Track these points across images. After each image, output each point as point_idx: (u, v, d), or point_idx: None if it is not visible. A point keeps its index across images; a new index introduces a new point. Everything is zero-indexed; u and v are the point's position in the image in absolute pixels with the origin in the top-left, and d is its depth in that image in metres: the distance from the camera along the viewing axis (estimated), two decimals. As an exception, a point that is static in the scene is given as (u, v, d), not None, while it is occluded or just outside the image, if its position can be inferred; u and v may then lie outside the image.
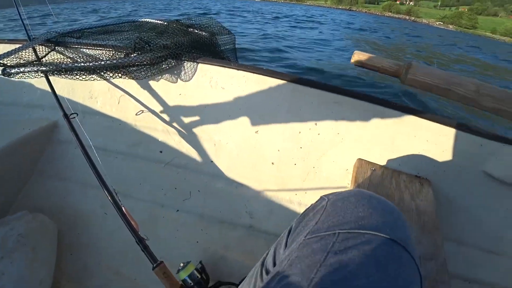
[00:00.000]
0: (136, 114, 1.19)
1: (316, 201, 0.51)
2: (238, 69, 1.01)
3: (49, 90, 1.02)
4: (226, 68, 1.02)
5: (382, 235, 0.38)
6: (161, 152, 1.21)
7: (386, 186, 0.86)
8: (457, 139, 0.86)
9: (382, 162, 0.96)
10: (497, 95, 0.70)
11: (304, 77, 0.95)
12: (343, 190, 0.50)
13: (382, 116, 0.92)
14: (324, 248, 0.37)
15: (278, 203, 1.11)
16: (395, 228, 0.41)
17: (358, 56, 0.85)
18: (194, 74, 1.07)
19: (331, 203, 0.46)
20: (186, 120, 1.16)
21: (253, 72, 1.00)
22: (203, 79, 1.07)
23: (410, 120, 0.89)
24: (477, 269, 0.97)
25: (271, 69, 0.99)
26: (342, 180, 1.04)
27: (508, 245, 0.94)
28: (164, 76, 1.12)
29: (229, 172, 1.16)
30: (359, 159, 0.97)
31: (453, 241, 0.98)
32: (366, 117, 0.94)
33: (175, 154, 1.20)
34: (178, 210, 1.17)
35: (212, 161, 1.16)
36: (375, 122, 0.93)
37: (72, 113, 1.01)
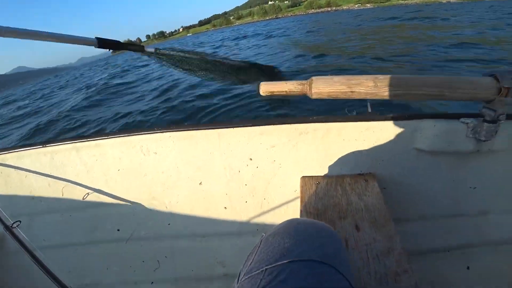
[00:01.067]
0: (82, 199, 1.16)
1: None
2: (162, 132, 1.02)
3: None
4: (152, 134, 1.04)
5: (303, 259, 0.40)
6: (118, 230, 1.18)
7: (332, 195, 0.88)
8: (380, 129, 0.90)
9: (324, 172, 0.99)
10: (392, 82, 0.74)
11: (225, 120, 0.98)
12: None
13: (306, 132, 0.94)
14: (253, 287, 0.38)
15: (244, 243, 1.11)
16: (318, 248, 0.43)
17: (264, 87, 0.86)
18: (125, 147, 1.08)
19: (264, 240, 0.48)
20: (133, 191, 1.15)
21: (177, 130, 1.02)
22: (135, 150, 1.07)
23: (332, 127, 0.92)
24: (448, 236, 1.00)
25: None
26: (294, 202, 1.05)
27: (465, 204, 0.97)
28: (99, 156, 1.11)
29: (188, 229, 1.15)
30: (303, 177, 0.99)
31: (415, 221, 1.00)
32: (293, 138, 0.96)
33: (133, 227, 1.17)
34: (152, 283, 1.13)
35: (169, 224, 1.15)
36: (303, 139, 0.96)
37: (14, 222, 0.97)
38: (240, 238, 1.11)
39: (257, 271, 0.41)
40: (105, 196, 1.16)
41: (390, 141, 0.91)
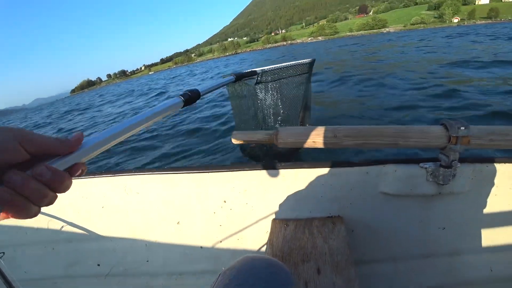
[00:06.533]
0: (66, 232, 1.18)
1: None
2: (145, 174, 1.06)
3: None
4: (135, 175, 1.07)
5: None
6: (98, 265, 1.21)
7: (298, 238, 0.90)
8: (345, 174, 0.95)
9: (295, 215, 1.02)
10: (350, 133, 0.81)
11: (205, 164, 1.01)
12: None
13: (276, 177, 0.99)
14: None
15: None
16: (266, 284, 0.47)
17: (236, 136, 0.93)
18: (110, 186, 1.12)
19: (222, 275, 0.53)
20: (115, 228, 1.17)
21: (158, 173, 1.06)
22: (118, 189, 1.11)
23: (300, 173, 0.97)
24: (421, 277, 1.02)
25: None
26: (264, 242, 1.07)
27: (436, 244, 1.01)
28: (85, 193, 1.14)
29: (166, 267, 1.17)
30: (273, 219, 1.02)
31: (385, 262, 1.03)
32: (263, 183, 1.00)
33: (112, 263, 1.19)
34: None
35: (147, 261, 1.17)
36: (273, 183, 1.00)
37: None
38: (215, 277, 1.12)
39: None
40: (88, 231, 1.19)
41: (357, 186, 0.95)
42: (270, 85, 2.05)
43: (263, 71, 1.92)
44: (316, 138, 0.82)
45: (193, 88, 0.66)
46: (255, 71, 1.70)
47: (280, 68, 2.01)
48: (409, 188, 0.90)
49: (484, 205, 0.94)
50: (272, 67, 1.97)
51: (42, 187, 0.28)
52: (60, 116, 15.68)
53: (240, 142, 0.95)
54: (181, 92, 0.62)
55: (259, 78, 1.94)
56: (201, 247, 1.13)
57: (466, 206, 0.94)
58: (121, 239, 1.18)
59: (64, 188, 0.31)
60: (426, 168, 0.86)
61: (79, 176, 0.34)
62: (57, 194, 0.31)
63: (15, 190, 0.26)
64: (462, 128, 0.72)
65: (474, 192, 0.91)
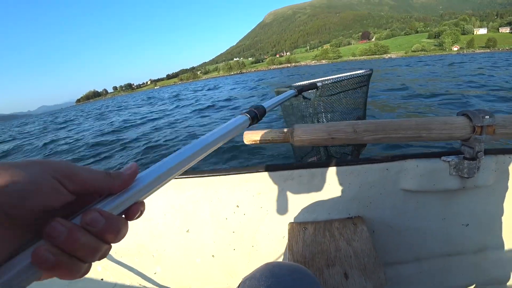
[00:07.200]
0: None
1: None
2: None
3: None
4: None
5: None
6: (102, 279, 1.14)
7: (319, 241, 0.85)
8: (364, 172, 0.91)
9: (313, 217, 0.96)
10: (370, 128, 0.78)
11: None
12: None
13: (292, 178, 0.94)
14: None
15: None
16: None
17: (248, 136, 0.89)
18: None
19: (241, 285, 0.49)
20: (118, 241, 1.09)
21: None
22: None
23: (316, 172, 0.93)
24: (447, 277, 0.97)
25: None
26: (283, 249, 1.01)
27: (460, 242, 0.96)
28: None
29: (175, 279, 1.09)
30: (290, 223, 0.97)
31: (409, 263, 0.98)
32: (278, 185, 0.96)
33: (118, 276, 1.12)
34: None
35: (155, 273, 1.10)
36: (289, 185, 0.95)
37: None
38: None
39: None
40: None
41: (376, 184, 0.91)
42: (330, 99, 1.89)
43: (324, 84, 1.76)
44: (334, 134, 0.78)
45: (257, 104, 0.62)
46: (315, 83, 1.60)
47: (341, 80, 1.85)
48: (432, 183, 0.86)
49: (509, 199, 0.90)
50: (333, 79, 1.81)
51: (94, 240, 0.21)
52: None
53: (253, 142, 0.91)
54: (245, 110, 0.57)
55: (319, 92, 1.81)
56: (213, 256, 1.06)
57: (490, 200, 0.90)
58: (125, 250, 1.12)
59: (120, 237, 0.24)
60: (449, 161, 0.82)
61: (137, 219, 0.26)
62: (111, 244, 0.24)
63: (60, 247, 0.20)
64: (487, 117, 0.69)
65: (498, 185, 0.88)
